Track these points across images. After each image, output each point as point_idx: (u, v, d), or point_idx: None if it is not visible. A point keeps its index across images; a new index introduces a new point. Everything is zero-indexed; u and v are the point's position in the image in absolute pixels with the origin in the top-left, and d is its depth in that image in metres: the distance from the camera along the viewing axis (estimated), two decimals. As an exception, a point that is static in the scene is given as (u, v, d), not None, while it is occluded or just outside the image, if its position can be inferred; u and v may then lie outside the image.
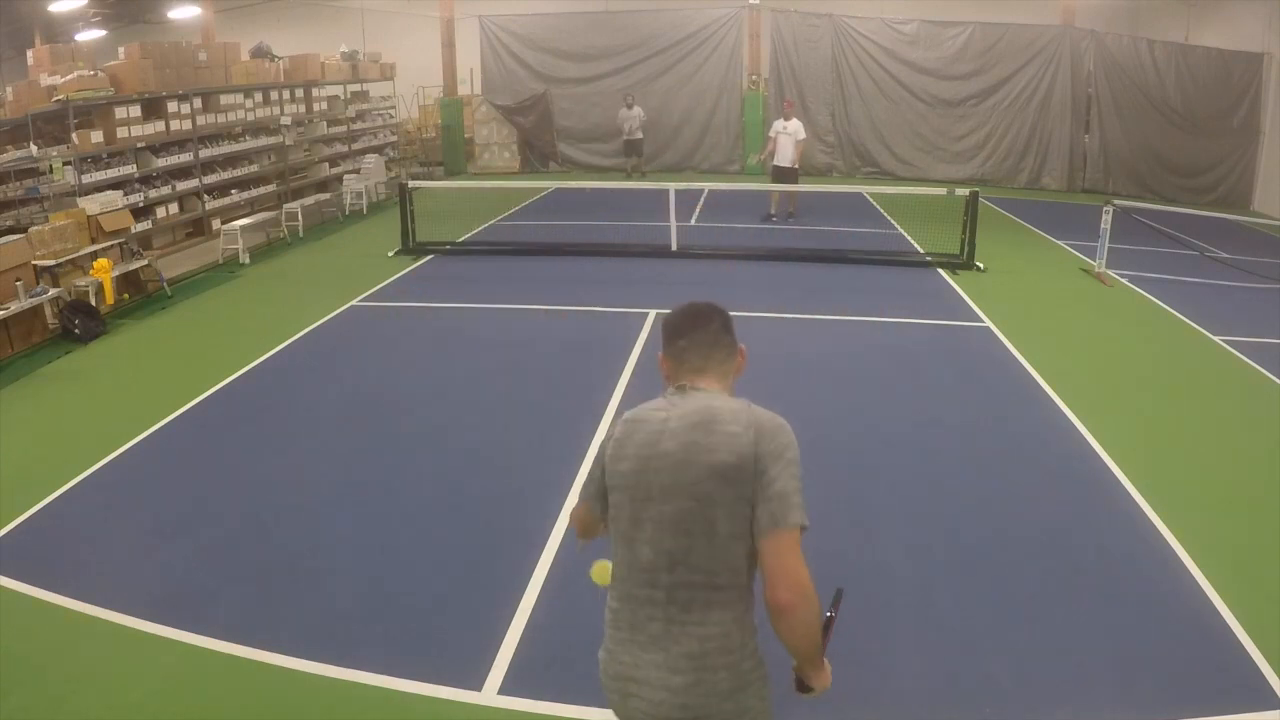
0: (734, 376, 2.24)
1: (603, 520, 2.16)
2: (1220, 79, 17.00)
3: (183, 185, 12.24)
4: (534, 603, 4.11)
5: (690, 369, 2.17)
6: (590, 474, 2.20)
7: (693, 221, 13.18)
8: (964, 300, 9.29)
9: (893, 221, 13.67)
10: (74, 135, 10.33)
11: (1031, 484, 5.33)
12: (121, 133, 11.09)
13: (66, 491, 5.22)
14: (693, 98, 19.20)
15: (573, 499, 5.02)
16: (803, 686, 2.02)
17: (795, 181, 13.37)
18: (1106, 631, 3.93)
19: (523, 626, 3.93)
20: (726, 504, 1.94)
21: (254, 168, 13.89)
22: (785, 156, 13.14)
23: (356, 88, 17.61)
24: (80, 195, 10.05)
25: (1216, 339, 8.20)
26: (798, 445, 2.01)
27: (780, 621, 1.88)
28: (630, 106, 17.77)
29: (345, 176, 15.48)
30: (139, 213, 11.05)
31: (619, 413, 6.49)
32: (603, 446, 2.15)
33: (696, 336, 2.17)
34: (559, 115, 19.57)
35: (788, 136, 13.08)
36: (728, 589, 1.97)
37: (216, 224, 12.40)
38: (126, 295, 9.45)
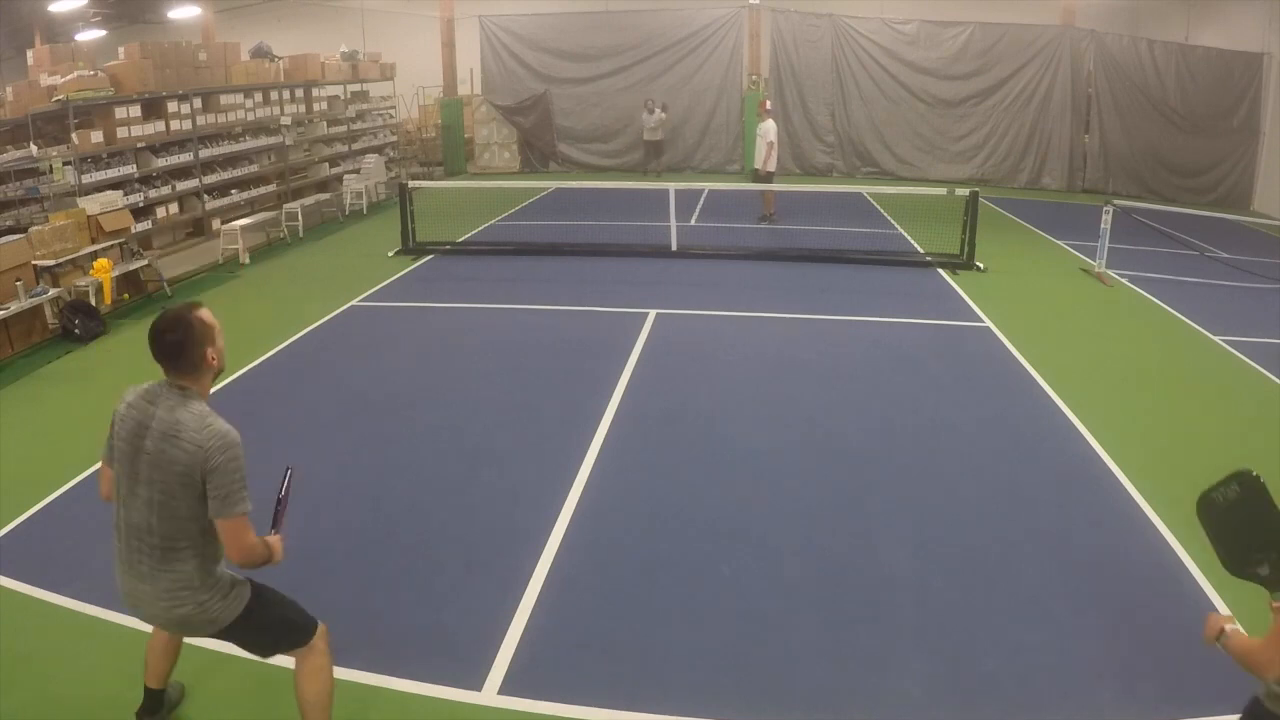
0: (210, 375, 2.80)
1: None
2: (1220, 79, 17.01)
3: (183, 185, 12.24)
4: (534, 603, 4.11)
5: (171, 371, 2.73)
6: (108, 438, 2.85)
7: (693, 221, 13.18)
8: (964, 300, 9.29)
9: (893, 221, 13.68)
10: (74, 135, 10.33)
11: (1031, 484, 5.34)
12: (121, 133, 11.09)
13: (66, 491, 5.22)
14: (693, 98, 19.21)
15: (573, 499, 5.03)
16: None
17: (769, 183, 13.23)
18: (1106, 631, 3.93)
19: (523, 626, 3.93)
20: (185, 498, 2.64)
21: (254, 168, 13.88)
22: (759, 159, 13.06)
23: (356, 88, 17.61)
24: (80, 195, 10.04)
25: (1216, 339, 8.21)
26: (240, 452, 2.65)
27: (240, 567, 2.75)
28: (651, 111, 17.91)
29: (345, 176, 15.48)
30: (139, 213, 11.04)
31: (619, 412, 6.47)
32: (114, 413, 2.81)
33: (160, 350, 2.71)
34: (559, 115, 19.57)
35: (760, 139, 13.02)
36: (186, 550, 2.72)
37: (216, 224, 12.40)
38: (126, 295, 9.45)
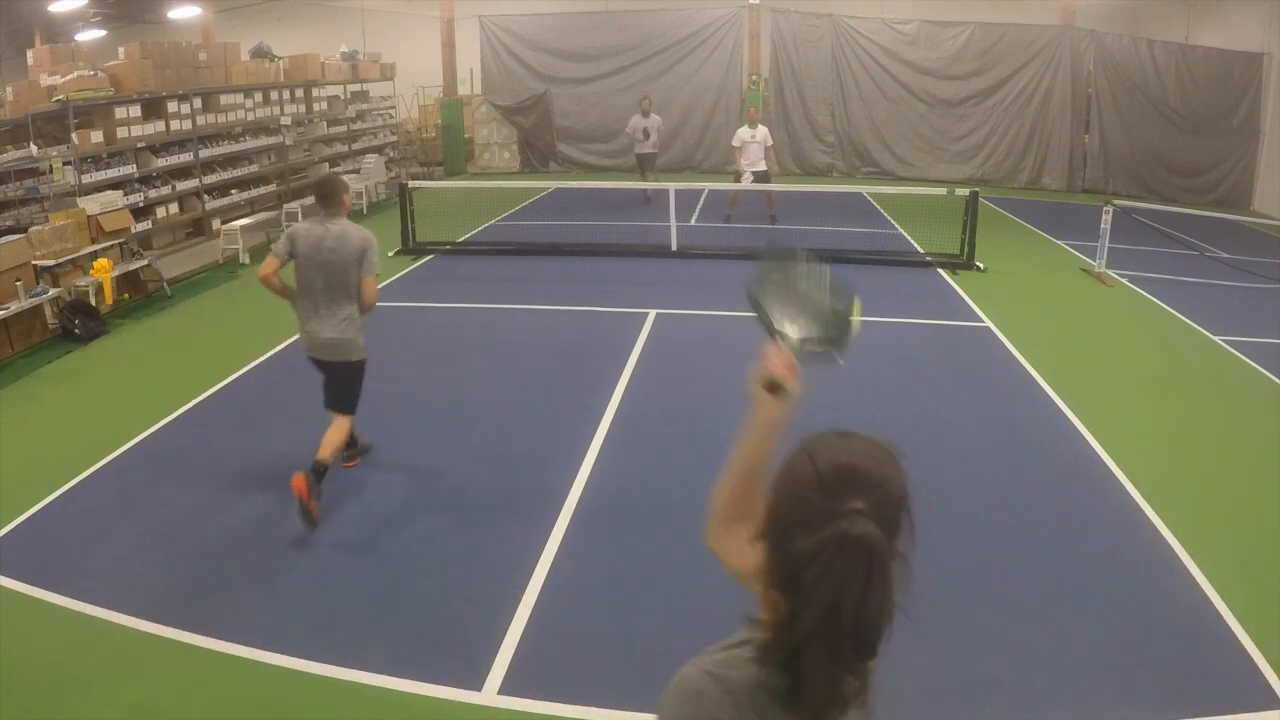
0: (345, 211, 5.04)
1: (281, 267, 4.93)
2: (1220, 79, 17.00)
3: (183, 185, 12.23)
4: (534, 602, 4.11)
5: (326, 208, 5.01)
6: (281, 246, 4.99)
7: (692, 221, 13.17)
8: (964, 300, 9.29)
9: (893, 221, 13.67)
10: (74, 135, 10.33)
11: (1032, 484, 5.34)
12: (121, 133, 11.08)
13: (66, 491, 5.22)
14: (693, 97, 19.19)
15: (574, 499, 5.04)
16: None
17: (769, 182, 13.19)
18: (1106, 631, 3.93)
19: (523, 626, 3.93)
20: (351, 269, 4.89)
21: (254, 168, 13.88)
22: (759, 163, 12.91)
23: (356, 88, 17.60)
24: (80, 195, 10.03)
25: (1216, 339, 8.21)
26: (376, 244, 4.99)
27: (367, 310, 4.98)
28: (647, 114, 15.02)
29: (345, 176, 15.44)
30: (139, 213, 11.03)
31: (620, 411, 6.45)
32: (293, 232, 5.03)
33: (324, 196, 5.03)
34: (559, 115, 19.56)
35: (757, 144, 12.86)
36: (349, 300, 4.95)
37: (216, 224, 12.40)
38: (126, 295, 9.44)
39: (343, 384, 5.07)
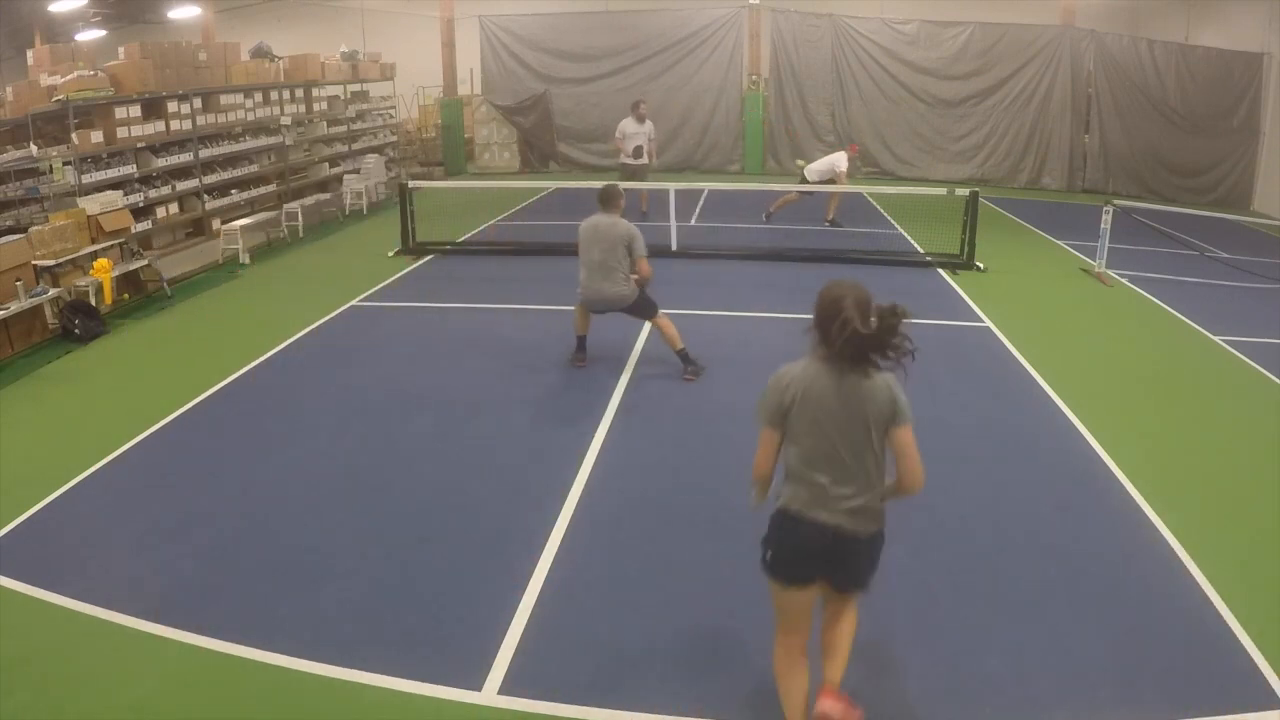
0: (618, 210, 6.76)
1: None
2: (1220, 79, 17.00)
3: (183, 185, 12.23)
4: (534, 603, 4.11)
5: (605, 209, 6.76)
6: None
7: (693, 221, 13.17)
8: (964, 300, 9.29)
9: (893, 221, 13.67)
10: (74, 135, 10.33)
11: (1031, 484, 5.34)
12: (121, 133, 11.08)
13: (66, 491, 5.22)
14: (693, 98, 19.20)
15: (573, 499, 5.05)
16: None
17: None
18: (1106, 631, 3.93)
19: (523, 626, 3.93)
20: (621, 248, 6.63)
21: (254, 168, 13.87)
22: (827, 176, 12.73)
23: (356, 88, 17.59)
24: (80, 195, 10.03)
25: (1216, 339, 8.21)
26: (640, 235, 6.70)
27: (646, 279, 6.85)
28: (643, 120, 13.34)
29: (345, 176, 15.46)
30: (139, 213, 11.03)
31: (619, 412, 6.46)
32: (581, 229, 6.77)
33: (604, 200, 6.79)
34: (559, 115, 19.57)
35: (833, 168, 12.64)
36: (621, 271, 6.66)
37: (216, 224, 12.39)
38: (126, 295, 9.44)
39: (638, 308, 6.88)
